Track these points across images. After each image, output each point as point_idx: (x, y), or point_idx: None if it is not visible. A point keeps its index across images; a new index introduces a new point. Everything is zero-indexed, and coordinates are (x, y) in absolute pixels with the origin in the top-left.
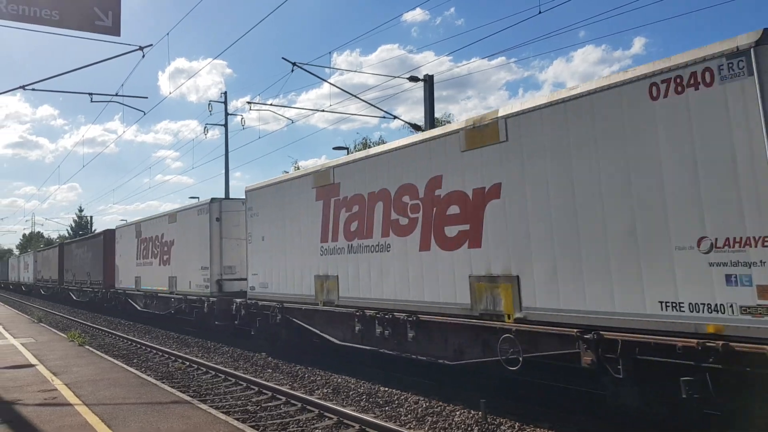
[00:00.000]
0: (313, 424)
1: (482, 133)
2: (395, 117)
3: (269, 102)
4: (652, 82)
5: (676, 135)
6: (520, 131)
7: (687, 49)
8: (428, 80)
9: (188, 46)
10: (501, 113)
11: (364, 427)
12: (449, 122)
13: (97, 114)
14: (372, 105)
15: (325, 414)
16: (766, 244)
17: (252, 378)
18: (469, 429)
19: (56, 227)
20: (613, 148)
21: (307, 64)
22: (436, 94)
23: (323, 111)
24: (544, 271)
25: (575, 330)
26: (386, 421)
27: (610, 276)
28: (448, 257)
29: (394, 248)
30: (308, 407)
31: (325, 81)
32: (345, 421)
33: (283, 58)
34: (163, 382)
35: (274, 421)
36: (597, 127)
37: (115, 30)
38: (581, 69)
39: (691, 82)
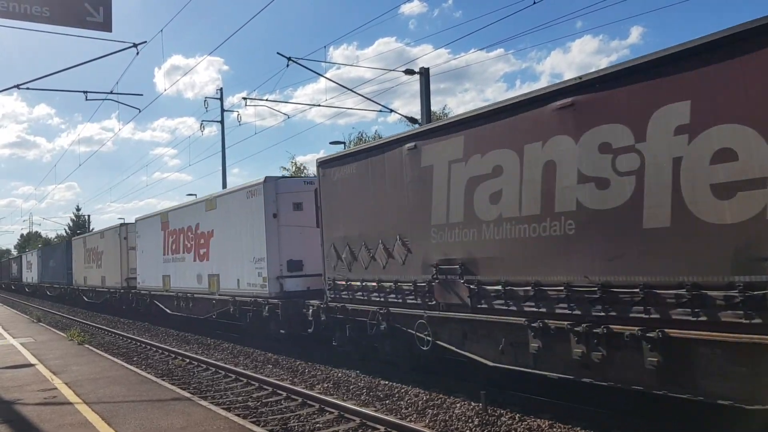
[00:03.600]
0: (314, 419)
1: None
2: (392, 111)
3: (265, 98)
4: None
5: None
6: None
7: (684, 39)
8: (424, 73)
9: (184, 43)
10: None
11: (364, 420)
12: (447, 115)
13: (93, 112)
14: (369, 99)
15: (326, 408)
16: None
17: (252, 374)
18: (470, 421)
19: (54, 227)
20: None
21: (302, 58)
22: (433, 87)
23: (320, 105)
24: None
25: None
26: (387, 415)
27: None
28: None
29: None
30: (309, 402)
31: (321, 76)
32: (346, 415)
33: (278, 53)
34: (163, 380)
35: (275, 417)
36: None
37: (106, 26)
38: (578, 60)
39: None
